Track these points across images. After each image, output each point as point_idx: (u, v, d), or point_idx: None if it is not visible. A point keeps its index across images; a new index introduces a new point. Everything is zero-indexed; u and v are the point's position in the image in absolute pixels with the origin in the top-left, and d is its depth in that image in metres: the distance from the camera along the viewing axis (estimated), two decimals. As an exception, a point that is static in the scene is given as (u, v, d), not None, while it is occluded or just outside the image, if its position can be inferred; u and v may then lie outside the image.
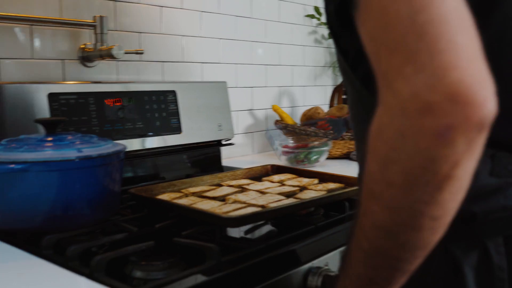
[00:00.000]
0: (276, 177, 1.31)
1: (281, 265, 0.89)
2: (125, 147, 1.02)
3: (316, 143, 1.59)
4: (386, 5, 0.44)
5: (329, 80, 2.25)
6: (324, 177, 1.30)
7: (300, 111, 2.09)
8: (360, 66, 0.62)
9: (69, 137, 0.97)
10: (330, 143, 1.59)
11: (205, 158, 1.56)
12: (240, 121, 1.83)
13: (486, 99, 0.42)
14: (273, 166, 1.41)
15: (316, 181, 1.27)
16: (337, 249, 1.02)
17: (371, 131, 0.47)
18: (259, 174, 1.39)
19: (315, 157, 1.56)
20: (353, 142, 1.69)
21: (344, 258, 0.59)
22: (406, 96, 0.43)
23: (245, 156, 1.85)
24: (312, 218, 1.11)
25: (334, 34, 0.65)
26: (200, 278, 0.78)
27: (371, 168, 0.48)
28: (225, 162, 1.67)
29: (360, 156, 0.73)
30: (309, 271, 0.95)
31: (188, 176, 1.46)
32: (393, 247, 0.50)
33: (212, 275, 0.79)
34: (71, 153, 0.90)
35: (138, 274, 0.82)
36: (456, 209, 0.47)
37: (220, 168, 1.61)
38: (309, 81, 2.14)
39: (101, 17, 1.32)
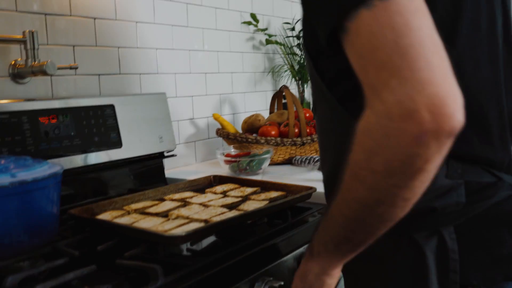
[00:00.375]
0: (219, 188, 1.32)
1: (226, 278, 0.90)
2: (62, 168, 1.00)
3: (257, 150, 1.61)
4: (374, 31, 0.54)
5: (269, 85, 2.28)
6: (266, 186, 1.32)
7: (242, 117, 2.10)
8: (337, 86, 0.74)
9: (2, 161, 0.94)
10: (272, 150, 1.61)
11: (148, 170, 1.55)
12: (182, 131, 1.82)
13: (456, 111, 0.52)
14: (215, 176, 1.42)
15: (258, 189, 1.29)
16: (281, 259, 1.05)
17: (358, 128, 0.58)
18: (202, 185, 1.39)
19: (257, 164, 1.58)
20: (293, 147, 1.73)
21: (325, 218, 0.71)
22: (391, 104, 0.53)
23: (188, 165, 1.84)
24: (256, 228, 1.12)
25: (311, 56, 0.76)
26: (144, 300, 0.77)
27: (357, 157, 0.59)
28: (168, 173, 1.66)
29: (324, 164, 0.86)
30: (255, 282, 0.96)
31: (131, 190, 1.45)
32: (370, 218, 0.63)
33: (157, 296, 0.78)
34: (4, 179, 0.87)
35: (81, 299, 0.81)
36: (421, 193, 0.59)
37: (164, 180, 1.60)
38: (249, 87, 2.16)
39: (31, 32, 1.28)
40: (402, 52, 0.52)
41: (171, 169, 1.73)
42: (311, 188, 1.23)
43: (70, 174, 1.30)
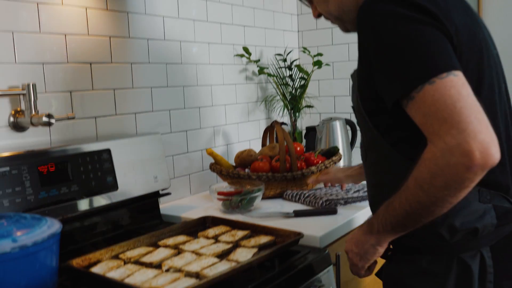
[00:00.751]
0: (211, 231, 1.37)
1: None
2: (60, 226, 1.05)
3: (249, 187, 1.67)
4: (436, 99, 0.83)
5: (262, 114, 2.34)
6: (256, 229, 1.38)
7: (235, 147, 2.16)
8: (390, 134, 1.01)
9: (4, 223, 0.99)
10: (263, 187, 1.67)
11: (144, 210, 1.60)
12: (176, 165, 1.88)
13: (496, 152, 0.81)
14: (207, 217, 1.48)
15: (248, 233, 1.35)
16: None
17: (424, 157, 0.86)
18: (196, 227, 1.45)
19: (248, 202, 1.63)
20: (284, 182, 1.78)
21: (387, 208, 0.99)
22: (453, 145, 0.81)
23: (182, 198, 1.90)
24: (245, 276, 1.18)
25: (368, 114, 1.02)
26: None
27: (422, 175, 0.87)
28: (163, 207, 1.72)
29: (376, 196, 1.13)
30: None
31: (128, 231, 1.51)
32: (425, 213, 0.91)
33: None
34: (5, 245, 0.92)
35: None
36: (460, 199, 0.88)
37: (159, 217, 1.66)
38: (242, 117, 2.22)
39: (30, 85, 1.33)
40: (458, 112, 0.81)
41: (165, 203, 1.78)
42: (299, 234, 1.28)
43: (68, 220, 1.35)
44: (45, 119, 1.31)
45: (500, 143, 0.91)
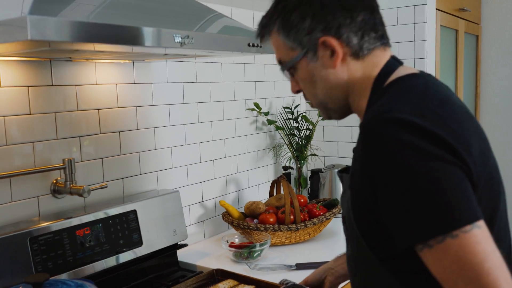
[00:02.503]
0: (221, 286, 1.59)
1: None
2: (97, 293, 1.28)
3: (257, 241, 1.88)
4: (460, 256, 0.74)
5: (270, 160, 2.55)
6: (260, 284, 1.59)
7: (246, 193, 2.37)
8: (390, 263, 0.87)
9: (53, 293, 1.22)
10: (269, 241, 1.88)
11: (164, 262, 1.82)
12: (192, 213, 2.10)
13: None
14: (217, 270, 1.70)
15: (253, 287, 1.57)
16: None
17: None
18: (207, 279, 1.67)
19: (257, 253, 1.85)
20: (289, 232, 1.99)
21: None
22: None
23: (197, 243, 2.12)
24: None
25: (363, 235, 0.89)
26: None
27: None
28: (180, 252, 1.93)
29: None
30: None
31: (150, 279, 1.73)
32: None
33: None
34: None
35: None
36: None
37: (177, 264, 1.88)
38: (252, 164, 2.43)
39: (69, 160, 1.56)
40: (486, 273, 0.73)
41: (182, 249, 2.00)
42: (297, 293, 1.49)
43: (99, 275, 1.58)
44: (82, 191, 1.53)
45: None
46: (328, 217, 2.06)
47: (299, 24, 0.96)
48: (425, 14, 2.40)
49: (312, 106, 1.08)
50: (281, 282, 1.52)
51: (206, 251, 2.02)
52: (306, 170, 2.63)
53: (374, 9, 0.99)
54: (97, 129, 1.72)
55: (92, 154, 1.70)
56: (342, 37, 0.95)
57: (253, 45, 1.52)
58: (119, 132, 1.79)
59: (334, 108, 1.04)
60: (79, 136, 1.66)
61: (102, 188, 1.63)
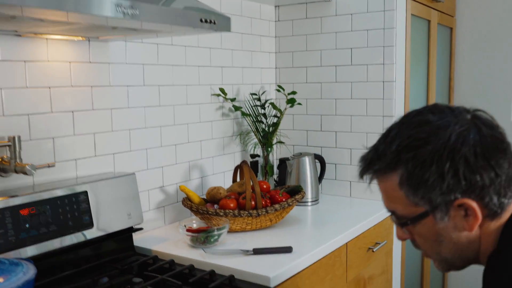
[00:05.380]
0: (174, 269, 1.55)
1: None
2: (35, 272, 1.22)
3: (215, 225, 1.84)
4: None
5: (237, 147, 2.51)
6: (214, 269, 1.55)
7: (210, 180, 2.33)
8: None
9: (-15, 270, 1.16)
10: (228, 225, 1.84)
11: (118, 245, 1.77)
12: (151, 198, 2.05)
13: None
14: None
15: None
16: None
17: None
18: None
19: (214, 238, 1.80)
20: (250, 218, 1.95)
21: None
22: None
23: (157, 228, 2.07)
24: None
25: None
26: None
27: None
28: (138, 238, 1.88)
29: None
30: None
31: (102, 263, 1.67)
32: None
33: None
34: (-15, 292, 1.09)
35: None
36: None
37: (133, 249, 1.83)
38: (217, 151, 2.39)
39: (14, 137, 1.51)
40: None
41: (140, 234, 1.95)
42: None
43: (45, 257, 1.52)
44: (27, 168, 1.48)
45: None
46: (291, 203, 2.02)
47: (435, 183, 0.83)
48: (394, 1, 2.38)
49: (426, 256, 0.97)
50: None
51: (164, 236, 1.97)
52: (274, 159, 2.59)
53: None
54: (48, 107, 1.66)
55: (42, 133, 1.65)
56: (484, 199, 0.84)
57: (206, 21, 1.47)
58: (72, 111, 1.74)
59: (460, 265, 0.94)
60: (28, 114, 1.61)
61: (49, 167, 1.58)
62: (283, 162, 2.54)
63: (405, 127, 0.88)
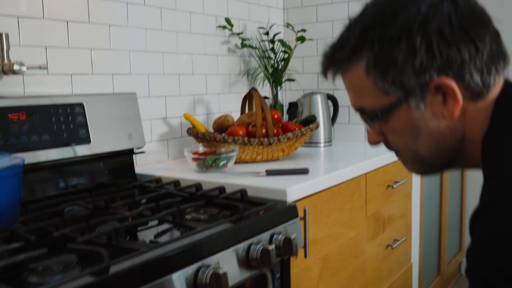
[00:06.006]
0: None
1: (170, 264, 0.97)
2: (22, 160, 1.07)
3: (223, 149, 1.68)
4: None
5: (244, 87, 2.35)
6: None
7: (216, 117, 2.17)
8: None
9: (-35, 153, 1.01)
10: (237, 149, 1.69)
11: (118, 167, 1.62)
12: (154, 129, 1.90)
13: None
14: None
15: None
16: (229, 248, 1.11)
17: None
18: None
19: (222, 162, 1.65)
20: (260, 147, 1.80)
21: None
22: None
23: (160, 162, 1.91)
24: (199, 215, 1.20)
25: None
26: (88, 279, 0.84)
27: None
28: (141, 169, 1.73)
29: None
30: (199, 268, 1.03)
31: (101, 184, 1.52)
32: None
33: (101, 276, 0.86)
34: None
35: (33, 279, 0.88)
36: None
37: (133, 175, 1.67)
38: (224, 88, 2.23)
39: (3, 34, 1.35)
40: None
41: (143, 165, 1.80)
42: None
43: (37, 168, 1.37)
44: (16, 67, 1.33)
45: None
46: (305, 133, 1.87)
47: (406, 61, 0.72)
48: None
49: (400, 157, 0.84)
50: None
51: (168, 167, 1.82)
52: (284, 101, 2.44)
53: (498, 34, 0.75)
54: (40, 12, 1.51)
55: (34, 40, 1.49)
56: (464, 77, 0.72)
57: None
58: (67, 21, 1.59)
59: (438, 165, 0.81)
60: (18, 16, 1.45)
61: (40, 68, 1.42)
62: (293, 105, 2.39)
63: (370, 8, 0.77)
